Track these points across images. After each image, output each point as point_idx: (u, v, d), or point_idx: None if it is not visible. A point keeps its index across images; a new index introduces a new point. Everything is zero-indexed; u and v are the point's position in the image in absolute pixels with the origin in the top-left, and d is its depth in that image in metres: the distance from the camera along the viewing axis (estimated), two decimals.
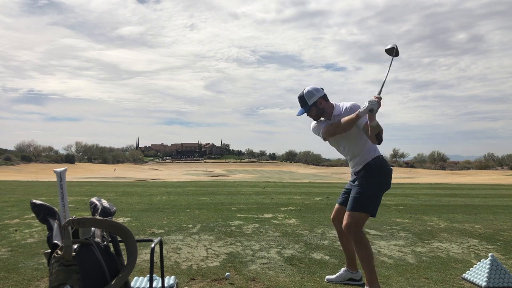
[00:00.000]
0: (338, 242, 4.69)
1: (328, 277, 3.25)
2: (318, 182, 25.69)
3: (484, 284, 3.07)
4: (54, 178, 2.81)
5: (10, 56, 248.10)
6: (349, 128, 2.85)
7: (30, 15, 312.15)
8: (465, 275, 3.33)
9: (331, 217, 3.29)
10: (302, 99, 3.00)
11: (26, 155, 71.36)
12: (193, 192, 12.48)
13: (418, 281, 3.25)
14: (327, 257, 3.95)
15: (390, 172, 3.02)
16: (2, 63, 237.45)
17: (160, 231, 5.25)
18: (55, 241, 1.96)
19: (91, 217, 1.95)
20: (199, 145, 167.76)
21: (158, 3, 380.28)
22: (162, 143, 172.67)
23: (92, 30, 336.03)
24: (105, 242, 2.02)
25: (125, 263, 2.01)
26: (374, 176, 2.93)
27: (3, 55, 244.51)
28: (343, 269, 3.25)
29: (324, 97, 3.03)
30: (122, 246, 2.08)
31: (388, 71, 2.90)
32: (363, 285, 2.99)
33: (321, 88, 3.04)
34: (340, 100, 3.19)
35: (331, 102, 3.07)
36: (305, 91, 3.00)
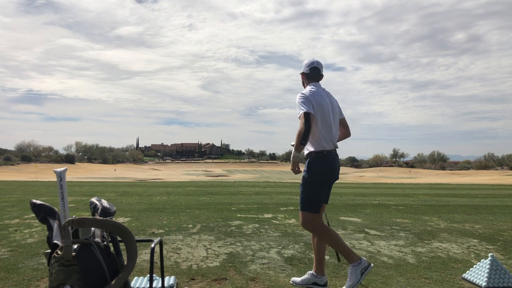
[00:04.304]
0: None
1: (293, 279, 3.19)
2: None
3: (484, 284, 3.07)
4: (54, 178, 2.81)
5: (9, 56, 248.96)
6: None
7: (26, 14, 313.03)
8: (465, 275, 3.33)
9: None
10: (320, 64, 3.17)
11: (26, 155, 71.36)
12: (193, 192, 12.48)
13: (418, 281, 3.25)
14: (327, 257, 3.95)
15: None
16: (0, 63, 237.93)
17: (160, 231, 5.25)
18: (55, 241, 1.96)
19: (91, 217, 1.95)
20: (199, 145, 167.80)
21: (156, 3, 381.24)
22: (162, 143, 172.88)
23: (90, 30, 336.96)
24: (105, 242, 2.02)
25: (125, 263, 2.00)
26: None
27: (1, 55, 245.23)
28: (309, 272, 3.16)
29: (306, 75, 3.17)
30: (122, 246, 2.08)
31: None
32: None
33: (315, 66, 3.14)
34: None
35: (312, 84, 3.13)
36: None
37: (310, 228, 3.01)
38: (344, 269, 3.54)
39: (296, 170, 2.93)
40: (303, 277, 3.13)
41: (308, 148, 2.98)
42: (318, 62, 3.13)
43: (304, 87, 3.15)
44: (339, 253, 3.62)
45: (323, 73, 3.16)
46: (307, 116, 2.79)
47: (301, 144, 2.78)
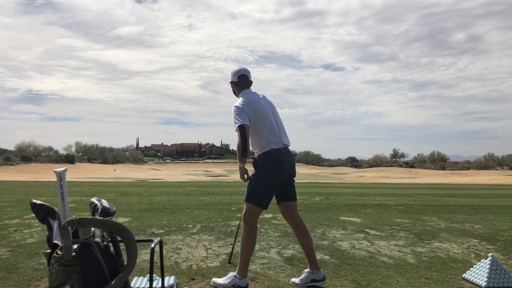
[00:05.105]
0: (339, 242, 4.69)
1: (293, 280, 3.18)
2: (318, 182, 25.64)
3: (484, 284, 3.07)
4: (54, 178, 2.81)
5: (8, 56, 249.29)
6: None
7: (26, 14, 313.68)
8: (465, 275, 3.33)
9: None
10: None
11: (26, 155, 71.38)
12: (193, 192, 12.48)
13: (418, 281, 3.25)
14: (327, 257, 3.95)
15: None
16: (0, 63, 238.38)
17: (160, 231, 5.25)
18: (55, 241, 1.95)
19: (91, 217, 1.95)
20: (199, 145, 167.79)
21: (155, 3, 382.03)
22: (162, 143, 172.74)
23: (90, 30, 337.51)
24: (105, 242, 2.02)
25: (125, 263, 2.00)
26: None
27: (1, 55, 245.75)
28: (305, 270, 3.17)
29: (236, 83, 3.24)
30: (122, 246, 2.08)
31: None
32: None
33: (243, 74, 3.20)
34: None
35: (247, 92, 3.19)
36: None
37: (246, 219, 3.14)
38: (344, 269, 3.54)
39: (245, 178, 3.12)
40: (301, 277, 3.15)
41: (257, 152, 3.11)
42: (245, 70, 3.24)
43: (236, 95, 3.27)
44: (241, 257, 3.13)
45: (251, 79, 3.27)
46: (242, 129, 2.91)
47: (243, 156, 2.93)
